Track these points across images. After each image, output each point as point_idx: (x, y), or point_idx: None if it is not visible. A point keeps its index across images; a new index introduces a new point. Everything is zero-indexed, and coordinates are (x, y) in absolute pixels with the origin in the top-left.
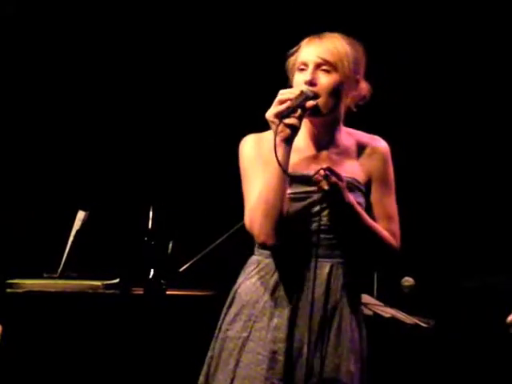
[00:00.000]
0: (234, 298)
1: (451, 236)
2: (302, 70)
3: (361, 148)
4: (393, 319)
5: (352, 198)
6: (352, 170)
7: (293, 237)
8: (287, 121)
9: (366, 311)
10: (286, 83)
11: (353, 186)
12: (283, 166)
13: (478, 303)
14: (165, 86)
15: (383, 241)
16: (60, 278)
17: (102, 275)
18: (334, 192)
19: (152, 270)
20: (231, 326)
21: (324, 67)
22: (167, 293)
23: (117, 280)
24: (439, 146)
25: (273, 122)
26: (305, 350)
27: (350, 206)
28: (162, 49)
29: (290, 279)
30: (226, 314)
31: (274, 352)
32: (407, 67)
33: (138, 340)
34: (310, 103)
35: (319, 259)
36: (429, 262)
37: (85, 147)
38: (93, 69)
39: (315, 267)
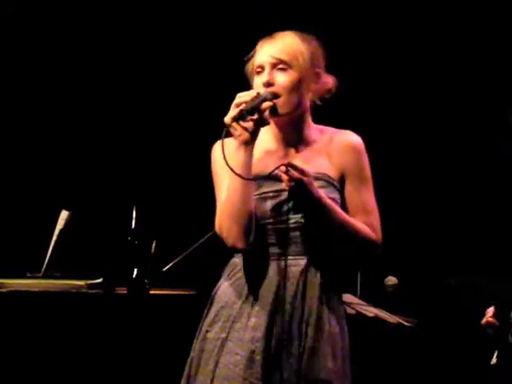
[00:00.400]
0: (213, 300)
1: (434, 236)
2: (259, 72)
3: (332, 144)
4: (376, 318)
5: (322, 192)
6: (323, 166)
7: (265, 236)
8: (243, 124)
9: (350, 310)
10: None
11: (325, 182)
12: (243, 170)
13: (460, 302)
14: (145, 88)
15: (360, 234)
16: (43, 277)
17: (85, 275)
18: (298, 187)
19: (135, 269)
20: (211, 328)
21: (280, 66)
22: (150, 292)
23: (100, 279)
24: (425, 146)
25: (230, 126)
26: (283, 349)
27: (319, 201)
28: (146, 49)
29: (264, 279)
30: (206, 316)
31: (252, 351)
32: (407, 67)
33: (121, 339)
34: (265, 105)
35: (295, 256)
36: (411, 262)
37: (68, 147)
38: (85, 69)
39: (285, 265)
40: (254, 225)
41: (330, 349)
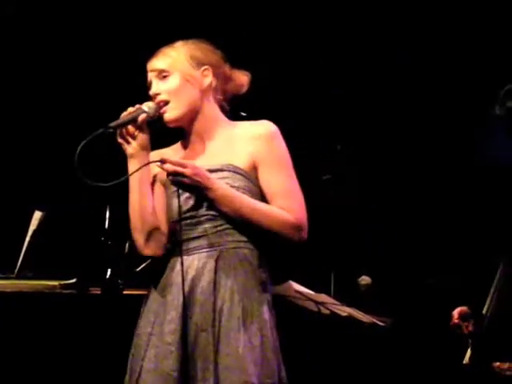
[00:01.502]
0: (147, 297)
1: (407, 235)
2: (150, 89)
3: (243, 135)
4: (350, 318)
5: (220, 183)
6: (231, 157)
7: (177, 233)
8: (127, 138)
9: (323, 310)
10: None
11: (229, 172)
12: (131, 181)
13: (432, 302)
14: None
15: (272, 219)
16: (17, 278)
17: (58, 275)
18: (178, 180)
19: (109, 269)
20: (141, 323)
21: (162, 75)
22: (124, 292)
23: (74, 280)
24: (416, 146)
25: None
26: (198, 339)
27: (212, 191)
28: (146, 49)
29: (179, 274)
30: (141, 312)
31: (169, 344)
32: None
33: (95, 340)
34: (141, 117)
35: (207, 249)
36: (385, 261)
37: (41, 147)
38: (84, 69)
39: (181, 258)
40: (158, 231)
41: (246, 336)
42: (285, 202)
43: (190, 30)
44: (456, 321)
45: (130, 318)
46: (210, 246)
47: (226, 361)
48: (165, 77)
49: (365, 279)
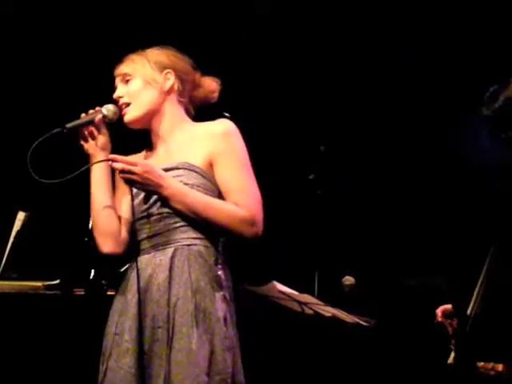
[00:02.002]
0: (114, 297)
1: (391, 236)
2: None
3: (201, 134)
4: (334, 318)
5: (173, 180)
6: (187, 155)
7: (138, 232)
8: (81, 139)
9: (307, 310)
10: None
11: (185, 170)
12: (91, 181)
13: (416, 302)
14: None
15: (226, 213)
16: (0, 279)
17: (42, 276)
18: (129, 178)
19: (93, 270)
20: (108, 323)
21: (125, 79)
22: (108, 293)
23: (57, 281)
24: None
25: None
26: (154, 336)
27: (164, 188)
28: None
29: (137, 273)
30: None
31: (126, 341)
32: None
33: (79, 341)
34: (97, 118)
35: (163, 246)
36: (369, 262)
37: (23, 148)
38: (84, 69)
39: (137, 257)
40: (117, 230)
41: (198, 332)
42: (239, 198)
43: (169, 38)
44: (440, 319)
45: None
46: (166, 243)
47: (177, 356)
48: (128, 81)
49: (349, 279)
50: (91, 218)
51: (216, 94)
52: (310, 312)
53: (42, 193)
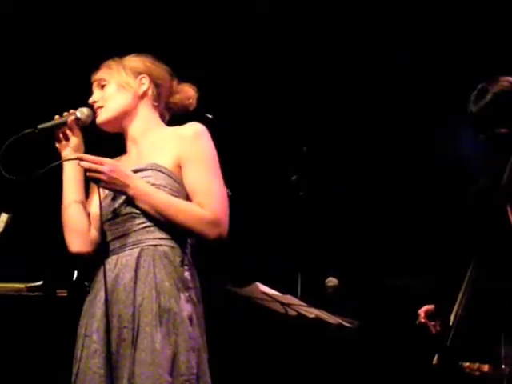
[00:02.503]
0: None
1: (374, 237)
2: None
3: (171, 137)
4: (317, 319)
5: (137, 180)
6: (157, 157)
7: (107, 233)
8: (56, 140)
9: (290, 312)
10: None
11: (152, 171)
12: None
13: (399, 303)
14: None
15: (189, 213)
16: None
17: (25, 277)
18: (94, 177)
19: (75, 271)
20: (79, 325)
21: (100, 85)
22: None
23: (40, 282)
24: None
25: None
26: (121, 336)
27: (130, 188)
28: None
29: (105, 274)
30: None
31: (94, 342)
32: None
33: (62, 342)
34: (70, 119)
35: (130, 247)
36: (352, 263)
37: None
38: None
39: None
40: (86, 230)
41: (162, 332)
42: (204, 199)
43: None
44: (422, 320)
45: None
46: (132, 243)
47: (141, 356)
48: (103, 86)
49: (332, 281)
50: (62, 217)
51: (193, 101)
52: (294, 313)
53: (25, 194)
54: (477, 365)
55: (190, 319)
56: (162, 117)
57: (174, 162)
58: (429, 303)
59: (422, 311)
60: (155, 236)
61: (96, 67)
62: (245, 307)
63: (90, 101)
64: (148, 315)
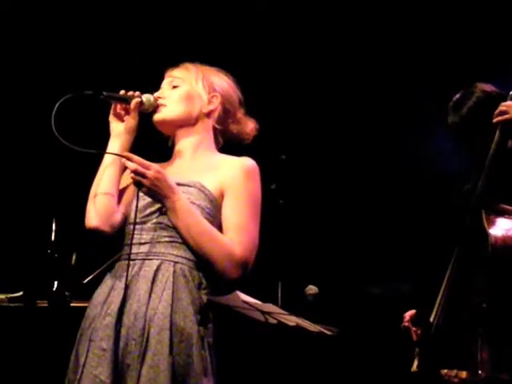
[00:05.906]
0: (90, 301)
1: (353, 244)
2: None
3: (222, 163)
4: (298, 327)
5: (181, 194)
6: (202, 178)
7: (127, 237)
8: (112, 114)
9: (271, 320)
10: None
11: (196, 189)
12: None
13: (380, 310)
14: None
15: (217, 245)
16: None
17: (5, 288)
18: (138, 180)
19: (56, 282)
20: (81, 329)
21: (172, 84)
22: (72, 305)
23: (21, 293)
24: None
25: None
26: (128, 348)
27: (168, 198)
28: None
29: (119, 280)
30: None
31: (103, 350)
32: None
33: (42, 352)
34: (134, 101)
35: (150, 257)
36: (332, 270)
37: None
38: (84, 69)
39: (126, 265)
40: (110, 211)
41: (172, 352)
42: (236, 236)
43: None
44: (406, 324)
45: (78, 330)
46: (153, 254)
47: (149, 372)
48: (175, 86)
49: (312, 288)
50: (91, 190)
51: (250, 137)
52: (274, 321)
53: (5, 203)
54: (455, 371)
55: (205, 342)
56: (216, 141)
57: (218, 188)
58: (410, 309)
59: (407, 315)
60: (178, 253)
61: (115, 60)
62: (225, 316)
63: (156, 95)
64: (160, 333)
